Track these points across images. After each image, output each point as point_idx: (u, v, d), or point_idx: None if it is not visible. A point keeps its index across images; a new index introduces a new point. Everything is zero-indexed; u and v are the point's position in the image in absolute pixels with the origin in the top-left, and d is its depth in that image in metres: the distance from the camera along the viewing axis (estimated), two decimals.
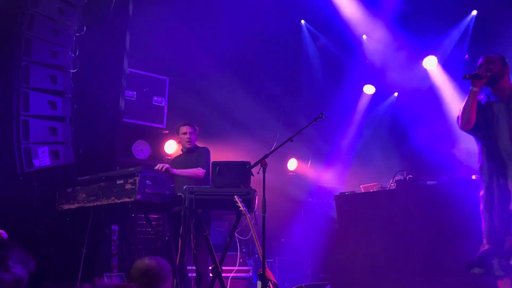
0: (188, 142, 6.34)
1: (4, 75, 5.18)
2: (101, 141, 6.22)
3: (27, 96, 5.46)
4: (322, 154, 10.04)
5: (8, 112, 5.17)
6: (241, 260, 6.89)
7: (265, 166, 5.04)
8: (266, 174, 5.06)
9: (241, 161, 5.38)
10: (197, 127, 6.54)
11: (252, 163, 5.33)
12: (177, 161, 6.40)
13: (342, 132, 10.12)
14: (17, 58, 5.26)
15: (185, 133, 6.39)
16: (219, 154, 7.71)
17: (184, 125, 6.43)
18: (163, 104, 7.91)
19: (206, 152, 6.32)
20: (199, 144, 6.72)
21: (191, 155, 6.31)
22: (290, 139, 5.11)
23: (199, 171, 5.98)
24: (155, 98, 7.92)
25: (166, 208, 5.54)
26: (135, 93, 7.72)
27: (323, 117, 5.08)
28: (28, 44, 5.39)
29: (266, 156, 5.09)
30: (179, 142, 6.59)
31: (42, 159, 5.40)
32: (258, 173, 5.03)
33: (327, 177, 9.94)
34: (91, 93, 6.02)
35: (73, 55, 5.61)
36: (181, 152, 6.56)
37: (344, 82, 9.63)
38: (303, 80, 9.70)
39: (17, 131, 5.37)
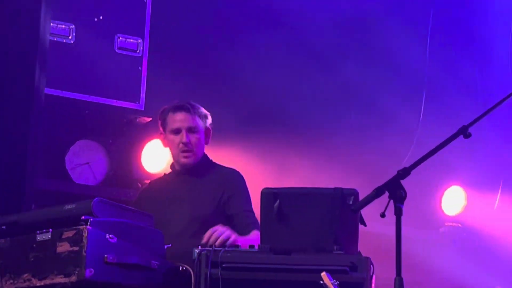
0: (186, 152, 4.34)
1: None
2: None
3: None
4: None
5: None
6: None
7: (401, 201, 3.35)
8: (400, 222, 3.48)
9: (334, 189, 3.74)
10: (208, 116, 4.46)
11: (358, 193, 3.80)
12: (155, 198, 4.51)
13: None
14: None
15: (178, 131, 4.35)
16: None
17: (178, 109, 4.38)
18: (140, 54, 5.73)
19: (244, 186, 4.43)
20: (215, 157, 4.61)
21: (194, 183, 4.45)
22: (465, 132, 3.50)
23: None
24: (122, 38, 5.71)
25: None
26: (73, 26, 5.55)
27: None
28: None
29: (401, 174, 3.42)
30: (169, 148, 4.56)
31: None
32: (383, 215, 3.36)
33: None
34: None
35: None
36: (169, 171, 4.63)
37: None
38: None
39: None
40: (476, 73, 7.43)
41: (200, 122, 4.37)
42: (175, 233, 4.16)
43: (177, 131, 4.30)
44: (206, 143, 4.43)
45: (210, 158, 4.67)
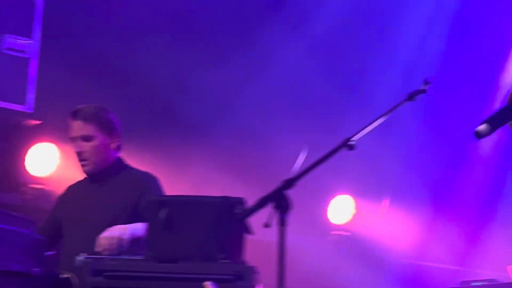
0: (81, 161, 4.23)
1: None
2: None
3: None
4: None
5: None
6: None
7: (285, 212, 3.32)
8: (287, 231, 3.41)
9: (221, 197, 3.65)
10: (115, 123, 4.31)
11: (245, 201, 3.62)
12: (68, 204, 4.37)
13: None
14: None
15: (73, 139, 4.21)
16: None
17: (73, 117, 4.23)
18: (29, 55, 5.69)
19: (157, 187, 4.31)
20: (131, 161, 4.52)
21: (101, 190, 4.32)
22: (348, 145, 3.48)
23: None
24: (11, 39, 5.66)
25: None
26: None
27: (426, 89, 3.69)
28: None
29: (287, 184, 3.39)
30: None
31: None
32: (266, 226, 3.34)
33: (441, 248, 7.10)
34: None
35: None
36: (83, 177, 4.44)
37: None
38: None
39: None
40: (360, 77, 7.44)
41: (97, 130, 4.20)
42: (82, 241, 4.04)
43: (72, 140, 4.17)
44: (113, 148, 4.23)
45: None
